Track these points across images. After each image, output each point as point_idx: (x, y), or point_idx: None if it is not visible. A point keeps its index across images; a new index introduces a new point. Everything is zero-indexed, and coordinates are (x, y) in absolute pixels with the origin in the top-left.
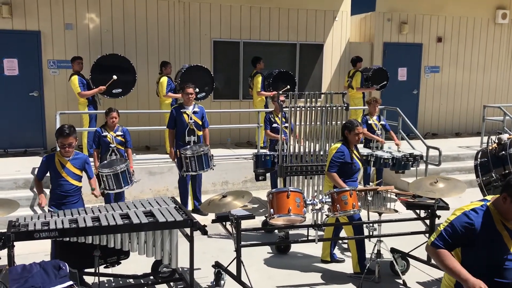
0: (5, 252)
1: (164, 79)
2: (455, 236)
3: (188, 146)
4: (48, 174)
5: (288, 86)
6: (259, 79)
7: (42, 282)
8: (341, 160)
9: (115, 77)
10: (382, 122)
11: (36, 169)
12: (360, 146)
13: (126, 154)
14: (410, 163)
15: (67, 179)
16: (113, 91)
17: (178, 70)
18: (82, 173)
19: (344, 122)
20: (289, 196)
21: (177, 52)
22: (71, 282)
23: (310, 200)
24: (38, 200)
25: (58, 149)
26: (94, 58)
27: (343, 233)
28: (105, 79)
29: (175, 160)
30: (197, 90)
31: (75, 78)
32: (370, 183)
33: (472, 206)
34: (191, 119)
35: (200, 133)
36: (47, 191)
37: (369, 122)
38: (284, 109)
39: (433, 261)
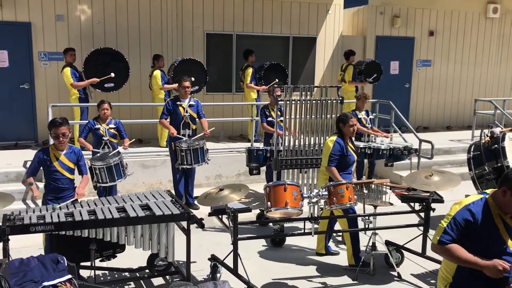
0: None
1: (158, 73)
2: (459, 230)
3: (184, 139)
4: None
5: (277, 80)
6: (250, 71)
7: (41, 275)
8: (340, 153)
9: (112, 74)
10: (370, 117)
11: (28, 165)
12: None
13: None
14: (405, 155)
15: (62, 172)
16: (105, 85)
17: (171, 64)
18: (75, 166)
19: (338, 115)
20: (286, 189)
21: (169, 44)
22: (69, 276)
23: (307, 193)
24: (31, 193)
25: (51, 142)
26: (86, 50)
27: (337, 226)
28: (99, 72)
29: (173, 147)
30: (193, 78)
31: (68, 70)
32: (363, 176)
33: (472, 199)
34: (186, 112)
35: (195, 126)
36: (41, 185)
37: (359, 116)
38: (279, 102)
39: (428, 254)
